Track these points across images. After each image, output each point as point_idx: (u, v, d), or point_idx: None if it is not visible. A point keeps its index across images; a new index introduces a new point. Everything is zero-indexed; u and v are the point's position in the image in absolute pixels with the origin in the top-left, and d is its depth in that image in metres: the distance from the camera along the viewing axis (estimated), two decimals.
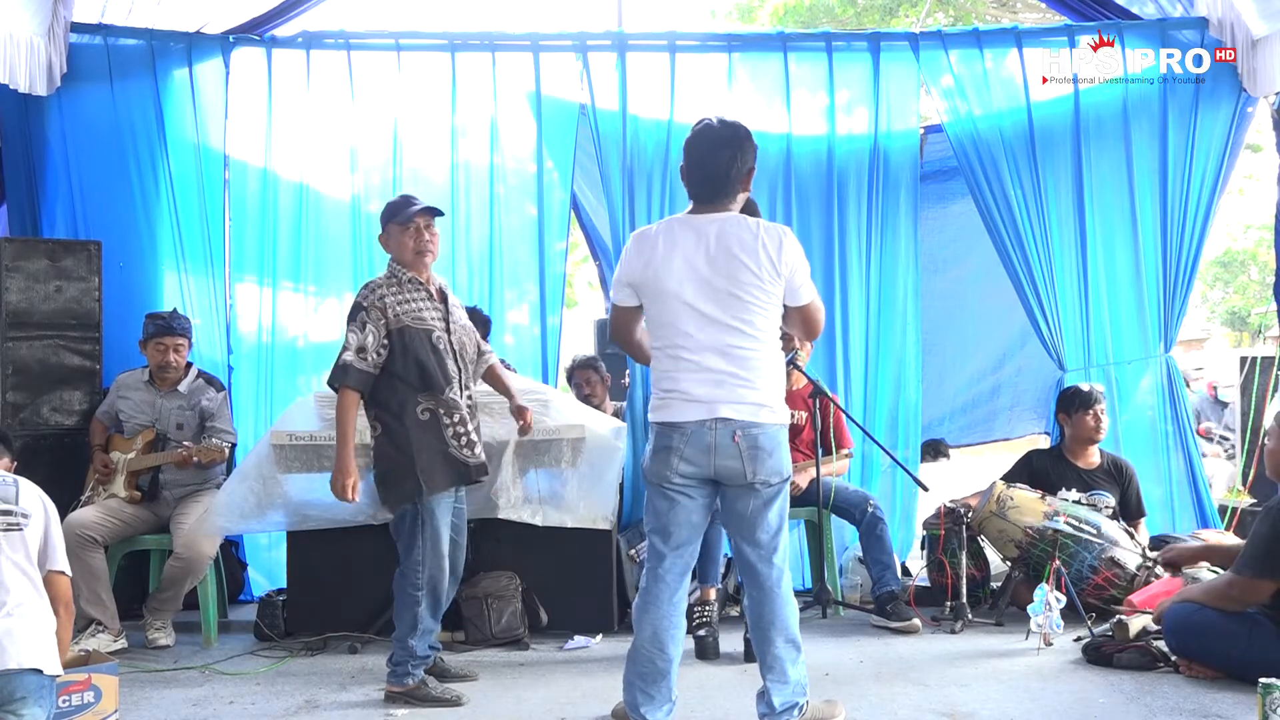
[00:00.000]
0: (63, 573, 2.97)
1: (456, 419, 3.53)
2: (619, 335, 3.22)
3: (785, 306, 3.05)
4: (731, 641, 4.16)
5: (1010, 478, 4.71)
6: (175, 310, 4.75)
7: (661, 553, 3.06)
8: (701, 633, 4.08)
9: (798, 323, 3.13)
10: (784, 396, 3.07)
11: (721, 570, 4.54)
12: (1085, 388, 4.83)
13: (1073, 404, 4.79)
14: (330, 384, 3.53)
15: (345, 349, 3.49)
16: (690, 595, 4.19)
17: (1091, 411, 4.75)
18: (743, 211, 3.08)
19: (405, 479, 3.47)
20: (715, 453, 2.95)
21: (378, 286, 3.55)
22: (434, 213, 3.63)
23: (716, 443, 2.94)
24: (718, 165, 3.01)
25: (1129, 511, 4.74)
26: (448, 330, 3.59)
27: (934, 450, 5.43)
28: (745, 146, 3.04)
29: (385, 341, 3.48)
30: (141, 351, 4.61)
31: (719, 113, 3.27)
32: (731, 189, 3.04)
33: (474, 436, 3.58)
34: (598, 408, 5.17)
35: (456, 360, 3.59)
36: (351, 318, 3.52)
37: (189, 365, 4.66)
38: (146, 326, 4.58)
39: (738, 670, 3.87)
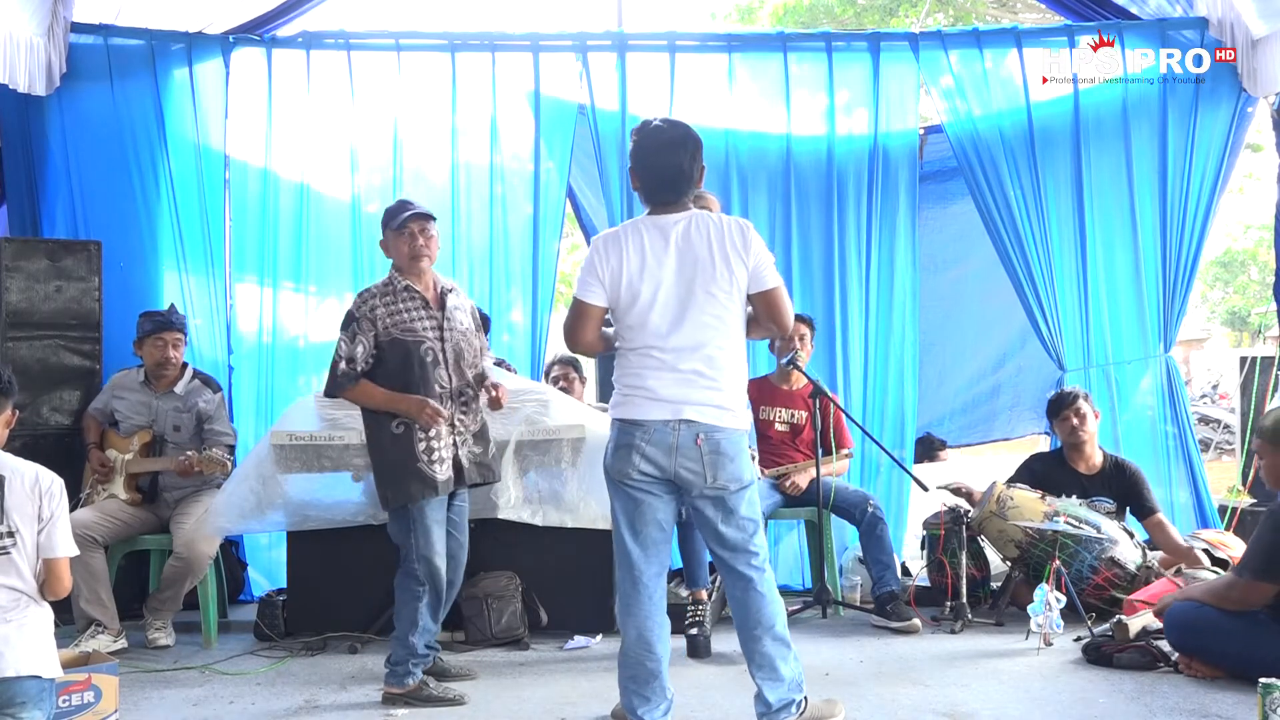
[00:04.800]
0: (65, 557, 2.87)
1: (432, 434, 3.51)
2: (576, 329, 3.06)
3: (750, 299, 3.01)
4: (725, 641, 4.16)
5: (1012, 483, 4.68)
6: (173, 306, 4.73)
7: (632, 556, 3.02)
8: (693, 632, 4.09)
9: (763, 311, 3.03)
10: (744, 400, 3.05)
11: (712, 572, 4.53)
12: (1062, 391, 4.79)
13: (1054, 411, 4.75)
14: (328, 394, 3.59)
15: (337, 359, 3.53)
16: (682, 596, 4.22)
17: (1064, 415, 4.68)
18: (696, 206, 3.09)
19: (381, 484, 3.57)
20: (677, 454, 2.93)
21: (371, 296, 3.56)
22: (426, 218, 3.61)
23: (678, 444, 2.93)
24: (675, 167, 3.00)
25: (1141, 511, 4.67)
26: (441, 339, 3.57)
27: (928, 446, 5.42)
28: (698, 145, 3.04)
29: (374, 352, 3.52)
30: (136, 352, 4.56)
31: (662, 114, 3.23)
32: (690, 188, 3.04)
33: (444, 454, 3.54)
34: None
35: (449, 369, 3.58)
36: (344, 326, 3.56)
37: (185, 365, 4.64)
38: (142, 324, 4.53)
39: (737, 670, 3.85)
